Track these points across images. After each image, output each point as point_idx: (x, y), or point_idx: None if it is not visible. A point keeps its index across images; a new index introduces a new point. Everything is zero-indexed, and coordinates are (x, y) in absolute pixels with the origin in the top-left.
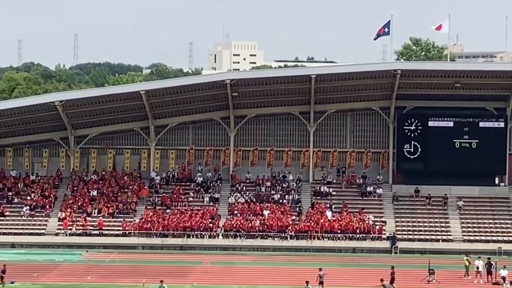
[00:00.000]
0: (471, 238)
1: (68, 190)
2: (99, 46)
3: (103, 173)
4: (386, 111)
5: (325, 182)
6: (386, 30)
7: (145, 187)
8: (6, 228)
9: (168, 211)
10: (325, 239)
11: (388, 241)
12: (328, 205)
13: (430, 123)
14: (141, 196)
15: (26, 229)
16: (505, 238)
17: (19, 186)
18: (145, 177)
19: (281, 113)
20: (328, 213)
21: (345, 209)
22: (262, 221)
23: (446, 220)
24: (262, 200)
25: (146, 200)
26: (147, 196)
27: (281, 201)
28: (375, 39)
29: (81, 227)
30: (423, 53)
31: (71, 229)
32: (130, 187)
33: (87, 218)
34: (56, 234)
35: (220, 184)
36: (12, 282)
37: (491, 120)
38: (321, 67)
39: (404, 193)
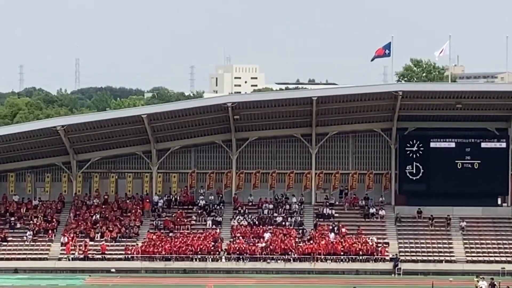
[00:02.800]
0: (474, 258)
1: (71, 214)
2: (100, 71)
3: (106, 197)
4: (388, 133)
5: (328, 204)
6: (387, 51)
7: (148, 201)
8: (9, 253)
9: (170, 234)
10: (328, 261)
11: (392, 262)
12: (331, 227)
13: (432, 144)
14: (144, 210)
15: (29, 254)
16: (509, 259)
17: (22, 211)
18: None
19: (283, 135)
20: (331, 235)
21: (343, 231)
22: (265, 244)
23: (449, 241)
24: (264, 223)
25: (150, 224)
26: (151, 211)
27: (283, 223)
28: (372, 60)
29: (82, 252)
30: (424, 74)
31: (73, 254)
32: (133, 211)
33: (89, 242)
34: (59, 259)
35: (222, 207)
36: None
37: (493, 140)
38: (322, 89)
39: (407, 214)
